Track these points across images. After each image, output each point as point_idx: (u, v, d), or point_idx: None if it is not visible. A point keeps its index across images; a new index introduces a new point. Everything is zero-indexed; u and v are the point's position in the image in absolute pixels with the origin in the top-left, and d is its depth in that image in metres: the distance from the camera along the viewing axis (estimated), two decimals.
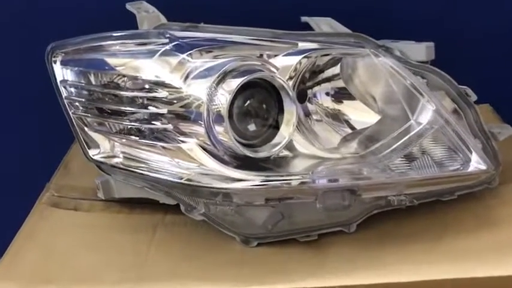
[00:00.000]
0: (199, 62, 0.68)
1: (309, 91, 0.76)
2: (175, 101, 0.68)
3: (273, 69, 0.69)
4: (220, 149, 0.67)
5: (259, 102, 0.69)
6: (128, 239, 0.74)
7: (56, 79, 0.76)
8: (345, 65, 0.74)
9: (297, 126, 0.71)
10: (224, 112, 0.66)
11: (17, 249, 0.72)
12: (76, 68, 0.75)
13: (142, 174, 0.71)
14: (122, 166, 0.72)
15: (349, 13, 0.86)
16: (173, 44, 0.69)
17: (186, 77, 0.67)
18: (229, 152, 0.68)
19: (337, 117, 0.75)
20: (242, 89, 0.68)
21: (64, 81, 0.75)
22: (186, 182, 0.67)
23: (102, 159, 0.74)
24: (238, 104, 0.68)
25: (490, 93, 0.97)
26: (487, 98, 0.98)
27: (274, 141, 0.69)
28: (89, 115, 0.74)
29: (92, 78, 0.74)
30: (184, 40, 0.69)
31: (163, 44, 0.70)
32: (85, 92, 0.75)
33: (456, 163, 0.71)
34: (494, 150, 0.74)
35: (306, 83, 0.75)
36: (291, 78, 0.70)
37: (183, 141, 0.68)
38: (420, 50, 0.73)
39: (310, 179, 0.67)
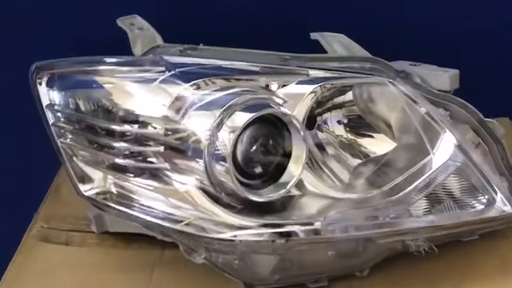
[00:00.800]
0: (200, 93, 0.61)
1: (319, 118, 0.70)
2: (170, 134, 0.61)
3: (280, 101, 0.63)
4: (221, 191, 0.61)
5: (266, 139, 0.63)
6: (123, 279, 0.68)
7: (41, 103, 0.69)
8: (358, 90, 0.69)
9: (306, 162, 0.66)
10: (227, 153, 0.59)
11: None
12: (63, 91, 0.67)
13: (136, 216, 0.64)
14: (114, 206, 0.66)
15: (359, 26, 0.81)
16: (171, 73, 0.63)
17: (186, 110, 0.61)
18: (231, 193, 0.62)
19: (351, 147, 0.69)
20: (247, 125, 0.62)
21: (51, 105, 0.68)
22: (182, 228, 0.61)
23: (94, 196, 0.68)
24: (243, 142, 0.61)
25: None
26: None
27: (282, 180, 0.63)
28: (79, 145, 0.67)
29: (81, 104, 0.68)
30: (182, 68, 0.63)
31: (159, 72, 0.63)
32: (73, 119, 0.68)
33: (479, 203, 0.65)
34: None
35: (314, 110, 0.68)
36: (303, 110, 0.63)
37: (179, 182, 0.62)
38: (443, 79, 0.66)
39: (321, 227, 0.61)
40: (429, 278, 0.67)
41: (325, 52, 0.74)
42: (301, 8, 0.94)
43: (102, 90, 0.65)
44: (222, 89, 0.62)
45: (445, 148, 0.65)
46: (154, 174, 0.64)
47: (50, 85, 0.68)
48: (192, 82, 0.62)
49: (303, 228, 0.61)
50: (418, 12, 0.94)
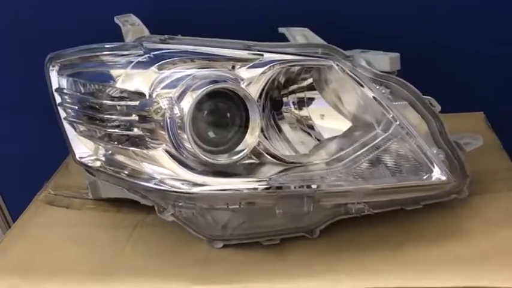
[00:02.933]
0: (168, 72, 0.73)
1: (285, 99, 0.80)
2: (146, 109, 0.72)
3: (237, 79, 0.73)
4: (186, 155, 0.71)
5: (224, 111, 0.73)
6: (110, 235, 0.79)
7: (51, 87, 0.83)
8: (317, 73, 0.78)
9: (265, 134, 0.75)
10: (186, 120, 0.69)
11: (9, 241, 0.80)
12: (69, 77, 0.81)
13: (120, 178, 0.76)
14: (103, 169, 0.78)
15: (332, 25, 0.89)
16: (147, 55, 0.74)
17: (156, 87, 0.72)
18: (196, 157, 0.72)
19: (311, 125, 0.79)
20: (209, 99, 0.72)
21: (59, 89, 0.82)
22: (154, 186, 0.72)
23: (87, 162, 0.80)
24: (203, 112, 0.72)
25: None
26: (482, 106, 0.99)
27: (238, 148, 0.73)
28: (79, 121, 0.80)
29: (81, 87, 0.81)
30: (157, 52, 0.74)
31: (138, 55, 0.75)
32: (76, 100, 0.81)
33: (419, 174, 0.72)
34: (460, 161, 0.74)
35: (281, 91, 0.79)
36: (258, 87, 0.73)
37: (153, 148, 0.73)
38: (384, 61, 0.74)
39: (267, 185, 0.71)
40: (373, 239, 0.74)
41: None
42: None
43: (96, 73, 0.77)
44: (188, 68, 0.73)
45: (387, 124, 0.72)
46: (134, 141, 0.75)
47: (60, 72, 0.81)
48: (163, 62, 0.73)
49: (251, 184, 0.70)
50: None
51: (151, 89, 0.72)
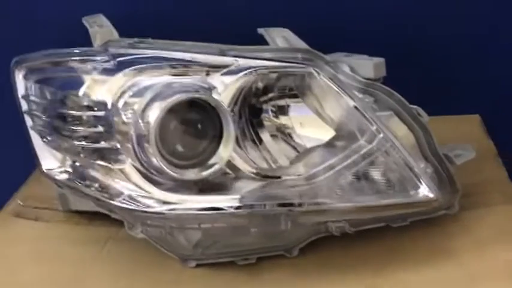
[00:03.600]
0: (136, 80, 0.67)
1: (265, 106, 0.74)
2: (111, 120, 0.68)
3: (210, 87, 0.67)
4: (152, 170, 0.66)
5: (196, 122, 0.67)
6: (78, 252, 0.75)
7: (17, 93, 0.77)
8: (299, 79, 0.72)
9: (242, 145, 0.70)
10: (152, 132, 0.64)
11: None
12: (36, 83, 0.75)
13: (86, 193, 0.70)
14: (70, 183, 0.72)
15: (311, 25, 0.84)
16: (112, 62, 0.69)
17: (122, 96, 0.67)
18: (163, 173, 0.66)
19: (292, 134, 0.73)
20: (179, 109, 0.66)
21: (26, 95, 0.76)
22: (119, 204, 0.67)
23: (54, 174, 0.74)
24: (172, 124, 0.66)
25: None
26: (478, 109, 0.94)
27: (211, 161, 0.67)
28: (46, 130, 0.74)
29: (48, 93, 0.75)
30: (124, 58, 0.69)
31: (104, 61, 0.70)
32: (42, 108, 0.75)
33: (405, 190, 0.66)
34: (449, 176, 0.69)
35: (261, 97, 0.73)
36: (233, 95, 0.68)
37: (121, 161, 0.67)
38: (368, 67, 0.68)
39: (239, 203, 0.65)
40: (355, 260, 0.69)
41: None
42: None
43: (61, 80, 0.72)
44: (157, 75, 0.68)
45: (371, 135, 0.67)
46: (102, 154, 0.70)
47: (26, 77, 0.76)
48: (131, 69, 0.67)
49: (222, 204, 0.65)
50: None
51: (117, 99, 0.67)
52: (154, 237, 0.71)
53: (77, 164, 0.73)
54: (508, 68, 0.98)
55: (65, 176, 0.74)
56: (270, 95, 0.73)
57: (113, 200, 0.68)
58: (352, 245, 0.70)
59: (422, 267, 0.67)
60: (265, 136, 0.73)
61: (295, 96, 0.73)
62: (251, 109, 0.73)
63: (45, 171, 0.75)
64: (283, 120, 0.74)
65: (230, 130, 0.67)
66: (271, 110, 0.74)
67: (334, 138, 0.71)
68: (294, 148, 0.73)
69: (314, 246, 0.70)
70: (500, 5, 0.96)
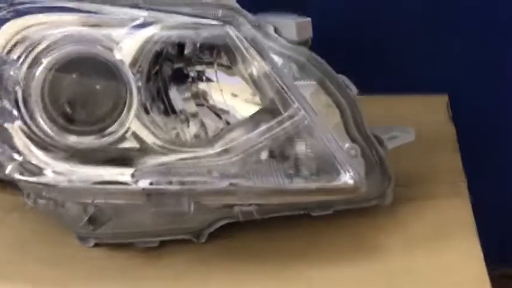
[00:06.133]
0: (31, 31, 0.58)
1: (191, 70, 0.63)
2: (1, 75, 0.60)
3: (112, 45, 0.58)
4: (40, 134, 0.58)
5: (94, 82, 0.59)
6: None
7: None
8: (221, 39, 0.60)
9: (153, 114, 0.60)
10: (36, 91, 0.57)
11: None
12: None
13: None
14: None
15: None
16: (9, 10, 0.60)
17: (12, 49, 0.58)
18: (51, 138, 0.58)
19: (221, 105, 0.62)
20: (74, 66, 0.58)
21: None
22: (8, 171, 0.59)
23: None
24: (63, 83, 0.58)
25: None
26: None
27: (110, 129, 0.59)
28: None
29: None
30: (23, 6, 0.59)
31: (3, 9, 0.62)
32: None
33: (322, 174, 0.57)
34: (380, 160, 0.59)
35: (186, 61, 0.63)
36: (138, 54, 0.58)
37: (8, 122, 0.59)
38: (291, 28, 0.58)
39: (132, 180, 0.57)
40: (267, 249, 0.60)
41: None
42: None
43: None
44: (57, 27, 0.59)
45: (292, 111, 0.57)
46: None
47: None
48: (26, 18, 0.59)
49: (113, 178, 0.57)
50: None
51: (6, 51, 0.58)
52: (43, 209, 0.62)
53: None
54: None
55: None
56: (196, 57, 0.63)
57: (3, 167, 0.61)
58: (268, 234, 0.62)
59: (333, 264, 0.58)
60: (188, 106, 0.64)
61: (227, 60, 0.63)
62: (174, 73, 0.64)
63: None
64: (208, 88, 0.63)
65: (133, 94, 0.58)
66: (198, 76, 0.65)
67: (260, 112, 0.60)
68: (224, 121, 0.62)
69: (227, 232, 0.62)
70: None
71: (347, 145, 0.57)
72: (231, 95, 0.63)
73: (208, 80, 0.64)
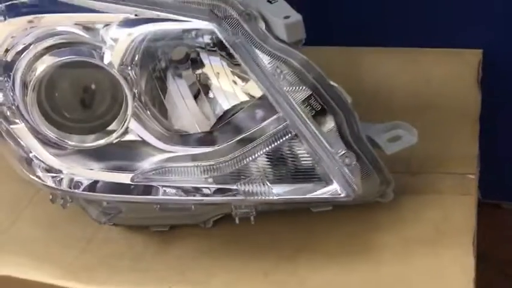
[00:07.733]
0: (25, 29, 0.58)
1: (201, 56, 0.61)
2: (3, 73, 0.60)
3: (101, 44, 0.56)
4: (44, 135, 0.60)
5: (90, 82, 0.59)
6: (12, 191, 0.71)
7: None
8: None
9: (152, 109, 0.59)
10: (30, 93, 0.57)
11: None
12: None
13: None
14: None
15: None
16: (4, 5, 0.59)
17: (9, 46, 0.58)
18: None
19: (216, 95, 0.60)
20: (67, 65, 0.57)
21: None
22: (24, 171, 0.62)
23: None
24: (60, 82, 0.58)
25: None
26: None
27: (110, 128, 0.60)
28: None
29: None
30: (13, 2, 0.58)
31: None
32: None
33: (312, 183, 0.56)
34: (377, 166, 0.57)
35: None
36: (128, 52, 0.56)
37: (16, 122, 0.61)
38: (280, 28, 0.53)
39: (132, 183, 0.58)
40: (272, 238, 0.62)
41: None
42: None
43: None
44: (40, 26, 0.58)
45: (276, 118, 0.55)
46: (5, 116, 0.62)
47: None
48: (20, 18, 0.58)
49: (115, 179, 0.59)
50: None
51: (3, 51, 0.59)
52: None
53: None
54: None
55: None
56: (190, 52, 0.60)
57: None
58: (272, 223, 0.62)
59: (325, 262, 0.58)
60: (187, 101, 0.61)
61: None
62: (174, 65, 0.61)
63: None
64: (210, 78, 0.60)
65: (127, 92, 0.58)
66: (196, 65, 0.60)
67: (256, 105, 0.59)
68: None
69: (228, 220, 0.63)
70: None
71: (341, 152, 0.56)
72: (232, 82, 0.61)
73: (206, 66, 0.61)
